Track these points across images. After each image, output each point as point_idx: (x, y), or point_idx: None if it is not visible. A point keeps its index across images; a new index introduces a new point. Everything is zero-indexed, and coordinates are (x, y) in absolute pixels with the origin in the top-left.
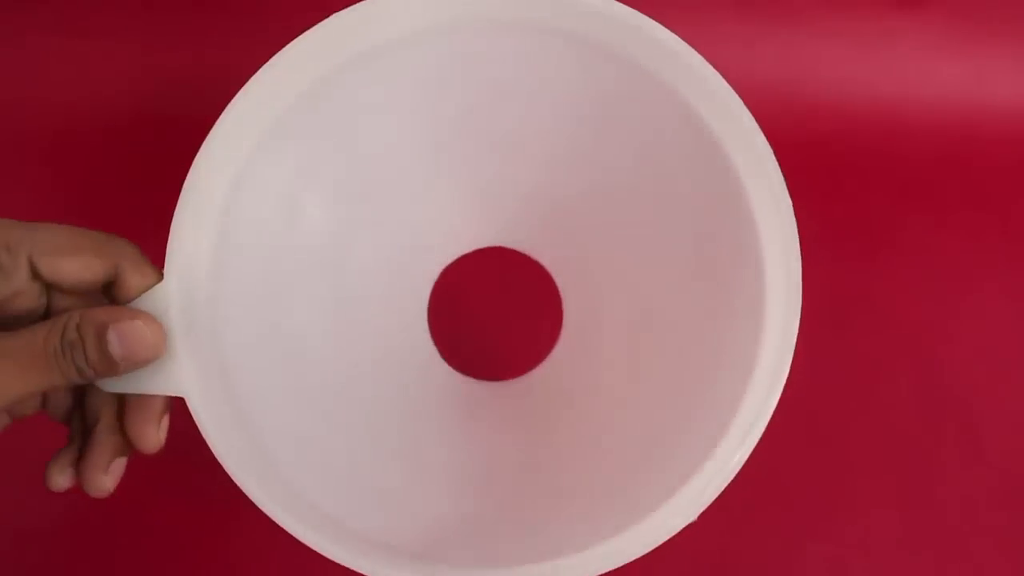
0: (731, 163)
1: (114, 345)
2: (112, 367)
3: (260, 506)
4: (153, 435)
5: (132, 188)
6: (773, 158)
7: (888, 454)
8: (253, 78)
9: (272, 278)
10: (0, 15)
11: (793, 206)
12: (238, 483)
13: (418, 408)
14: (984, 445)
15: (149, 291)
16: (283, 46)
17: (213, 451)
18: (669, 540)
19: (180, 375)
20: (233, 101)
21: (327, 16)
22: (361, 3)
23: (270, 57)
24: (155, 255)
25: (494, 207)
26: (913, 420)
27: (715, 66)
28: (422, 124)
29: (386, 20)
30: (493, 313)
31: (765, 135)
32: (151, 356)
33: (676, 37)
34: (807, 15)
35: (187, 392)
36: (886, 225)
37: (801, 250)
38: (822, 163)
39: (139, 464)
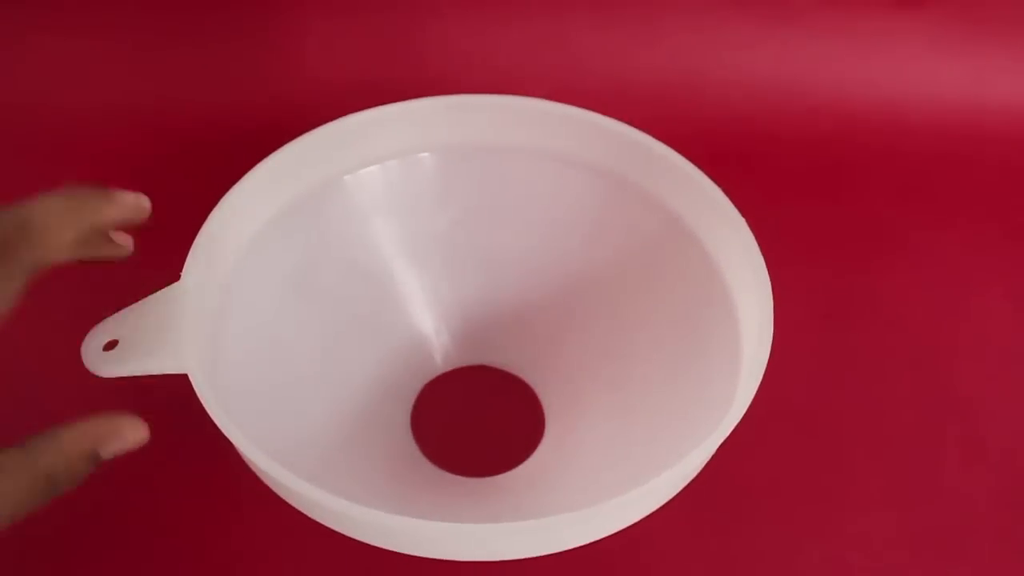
0: (714, 259)
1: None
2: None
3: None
4: None
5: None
6: (757, 248)
7: (890, 455)
8: (270, 158)
9: (272, 336)
10: (5, 15)
11: (794, 207)
12: (244, 454)
13: (395, 481)
14: (986, 446)
15: (169, 288)
16: (290, 51)
17: (216, 423)
18: (669, 539)
19: (185, 356)
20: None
21: (332, 22)
22: (366, 112)
23: (274, 60)
24: (167, 250)
25: (476, 327)
26: (915, 420)
27: (715, 69)
28: (411, 236)
29: (388, 131)
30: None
31: (765, 136)
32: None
33: (663, 145)
34: (807, 15)
35: (191, 369)
36: (887, 225)
37: (802, 249)
38: (823, 163)
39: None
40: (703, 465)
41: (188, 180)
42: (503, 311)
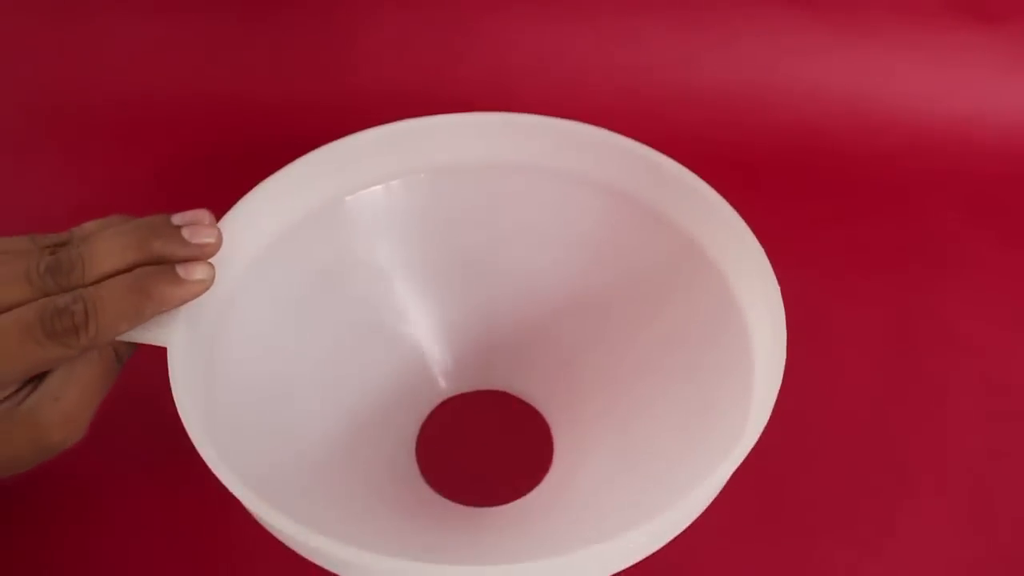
0: (730, 286)
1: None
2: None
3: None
4: None
5: (200, 169)
6: (770, 270)
7: (952, 476)
8: (269, 179)
9: (270, 360)
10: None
11: (859, 222)
12: (194, 441)
13: (394, 505)
14: None
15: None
16: (346, 51)
17: (179, 410)
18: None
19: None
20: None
21: (389, 27)
22: (368, 131)
23: (332, 49)
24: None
25: (484, 350)
26: (978, 441)
27: (786, 78)
28: (415, 257)
29: (391, 151)
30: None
31: (832, 148)
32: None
33: (677, 164)
34: (882, 27)
35: (170, 343)
36: (954, 243)
37: (867, 266)
38: (891, 178)
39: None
40: (698, 511)
41: (224, 175)
42: (515, 334)
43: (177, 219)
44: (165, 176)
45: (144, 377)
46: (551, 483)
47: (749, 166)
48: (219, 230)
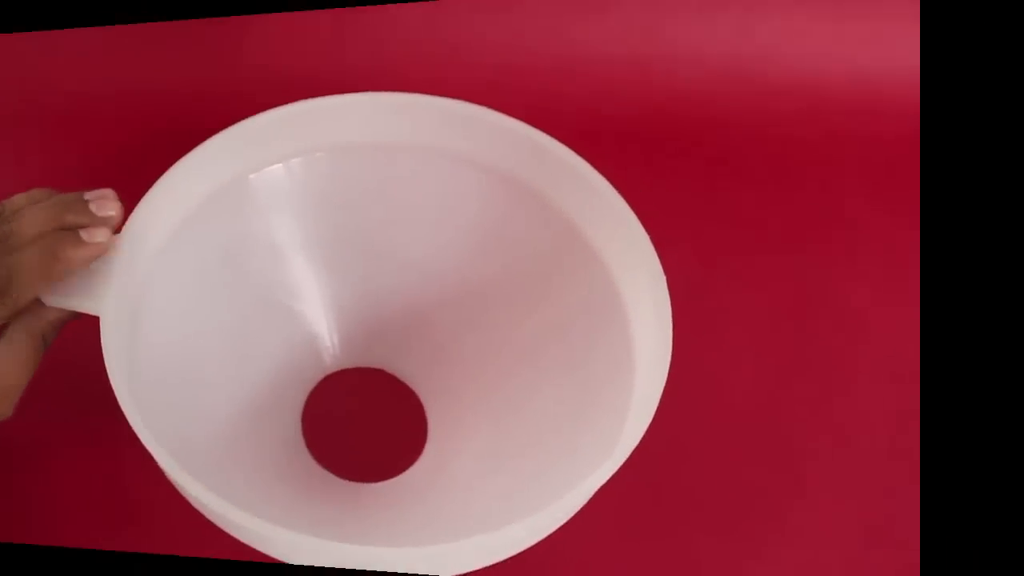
0: (614, 277)
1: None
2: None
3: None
4: None
5: (125, 157)
6: (657, 264)
7: (844, 475)
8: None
9: (181, 333)
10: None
11: (751, 196)
12: (122, 406)
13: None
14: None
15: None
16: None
17: (108, 373)
18: (593, 555)
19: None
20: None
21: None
22: (273, 110)
23: (224, 42)
24: None
25: (369, 329)
26: (873, 438)
27: (668, 43)
28: (310, 235)
29: (293, 130)
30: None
31: (720, 118)
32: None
33: (563, 147)
34: None
35: (103, 312)
36: (858, 219)
37: (762, 244)
38: (786, 148)
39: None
40: (571, 513)
41: (143, 162)
42: (396, 315)
43: (88, 195)
44: (92, 163)
45: (68, 342)
46: (425, 465)
47: (634, 138)
48: (120, 204)
